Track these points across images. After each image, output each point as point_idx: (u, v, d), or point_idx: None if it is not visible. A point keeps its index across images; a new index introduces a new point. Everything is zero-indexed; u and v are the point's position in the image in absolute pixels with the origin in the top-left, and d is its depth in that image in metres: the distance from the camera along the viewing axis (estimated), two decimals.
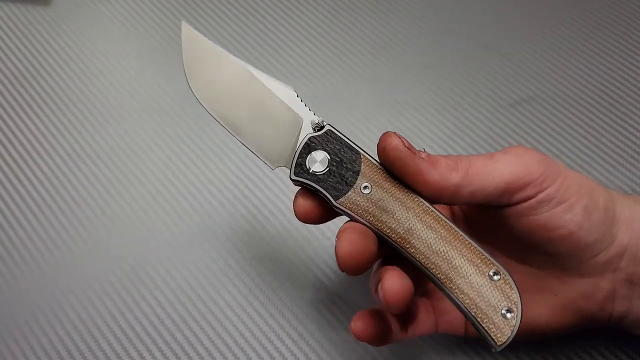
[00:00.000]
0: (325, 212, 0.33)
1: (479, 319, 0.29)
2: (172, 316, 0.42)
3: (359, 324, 0.33)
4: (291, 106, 0.34)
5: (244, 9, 0.60)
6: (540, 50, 0.56)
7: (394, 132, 0.31)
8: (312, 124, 0.33)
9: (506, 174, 0.31)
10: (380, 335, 0.34)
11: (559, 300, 0.35)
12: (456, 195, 0.31)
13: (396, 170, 0.31)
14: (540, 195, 0.31)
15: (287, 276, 0.44)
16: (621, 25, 0.57)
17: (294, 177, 0.32)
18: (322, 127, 0.33)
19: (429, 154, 0.31)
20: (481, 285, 0.29)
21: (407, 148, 0.30)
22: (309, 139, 0.32)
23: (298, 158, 0.32)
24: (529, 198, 0.31)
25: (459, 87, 0.54)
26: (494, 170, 0.31)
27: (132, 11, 0.60)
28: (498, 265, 0.30)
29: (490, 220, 0.34)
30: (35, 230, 0.46)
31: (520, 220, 0.32)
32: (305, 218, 0.33)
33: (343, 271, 0.30)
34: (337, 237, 0.31)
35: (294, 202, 0.33)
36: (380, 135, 0.31)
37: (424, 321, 0.36)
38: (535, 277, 0.35)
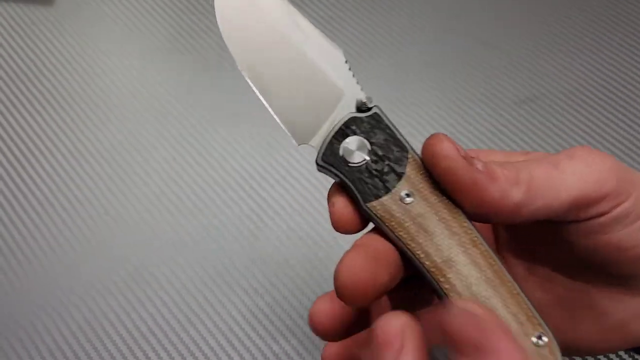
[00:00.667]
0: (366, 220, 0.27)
1: None
2: (177, 316, 0.42)
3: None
4: (334, 73, 0.28)
5: None
6: (541, 47, 0.56)
7: (445, 135, 0.25)
8: (356, 102, 0.27)
9: (575, 189, 0.25)
10: None
11: (609, 320, 0.29)
12: (515, 215, 0.25)
13: (446, 182, 0.25)
14: (616, 211, 0.26)
15: (292, 276, 0.44)
16: (624, 22, 0.57)
17: (320, 163, 0.26)
18: (369, 109, 0.27)
19: (484, 163, 0.25)
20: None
21: (463, 157, 0.25)
22: (349, 119, 0.26)
23: (331, 140, 0.26)
24: (602, 214, 0.26)
25: (460, 85, 0.54)
26: (559, 183, 0.26)
27: (134, 11, 0.59)
28: (546, 328, 0.24)
29: (542, 233, 0.29)
30: (38, 230, 0.46)
31: (586, 238, 0.27)
32: (344, 226, 0.26)
33: (340, 299, 0.25)
34: (339, 260, 0.25)
35: (330, 203, 0.27)
36: (427, 137, 0.26)
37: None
38: (583, 293, 0.30)
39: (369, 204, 0.25)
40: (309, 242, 0.45)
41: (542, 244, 0.29)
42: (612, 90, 0.53)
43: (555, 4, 0.59)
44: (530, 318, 0.24)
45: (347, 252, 0.25)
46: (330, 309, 0.27)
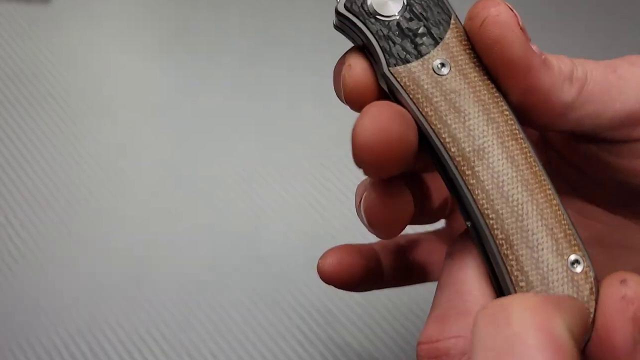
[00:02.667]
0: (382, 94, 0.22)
1: None
2: (176, 317, 0.42)
3: (329, 261, 0.26)
4: None
5: (245, 4, 0.59)
6: (543, 47, 0.55)
7: None
8: None
9: (633, 99, 0.22)
10: (363, 277, 0.27)
11: None
12: (560, 118, 0.21)
13: (493, 58, 0.21)
14: None
15: (292, 276, 0.44)
16: (631, 24, 0.57)
17: (342, 11, 0.22)
18: None
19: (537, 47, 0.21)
20: (552, 270, 0.20)
21: (521, 29, 0.20)
22: None
23: None
24: None
25: None
26: (616, 90, 0.22)
27: (133, 9, 0.59)
28: (585, 251, 0.20)
29: (582, 154, 0.24)
30: (37, 230, 0.46)
31: (636, 163, 0.23)
32: (360, 95, 0.22)
33: (360, 166, 0.20)
34: (360, 115, 0.20)
35: (345, 65, 0.22)
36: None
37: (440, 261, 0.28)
38: (626, 230, 0.25)
39: (392, 69, 0.21)
40: (308, 242, 0.45)
41: (581, 169, 0.25)
42: None
43: (559, 4, 0.58)
44: (568, 236, 0.20)
45: (366, 109, 0.20)
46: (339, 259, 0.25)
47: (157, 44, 0.57)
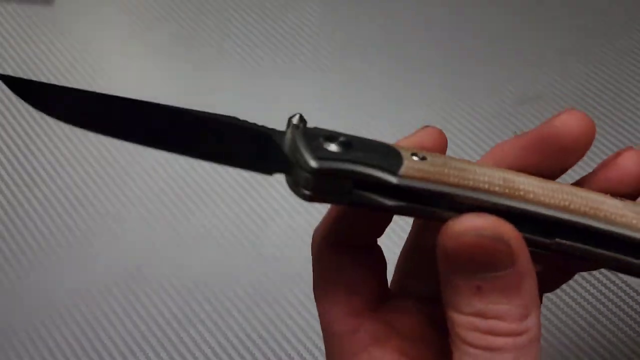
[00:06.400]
0: None
1: None
2: (177, 316, 0.42)
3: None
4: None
5: (247, 6, 0.59)
6: (545, 47, 0.56)
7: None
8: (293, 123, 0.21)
9: None
10: None
11: None
12: None
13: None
14: None
15: (293, 275, 0.44)
16: (631, 26, 0.57)
17: (321, 166, 0.19)
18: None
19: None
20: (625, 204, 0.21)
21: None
22: (307, 132, 0.21)
23: (306, 142, 0.20)
24: None
25: (465, 84, 0.54)
26: None
27: (135, 11, 0.59)
28: None
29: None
30: (39, 230, 0.46)
31: None
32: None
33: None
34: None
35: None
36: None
37: None
38: None
39: (402, 172, 0.19)
40: (309, 240, 0.45)
41: None
42: (615, 92, 0.53)
43: (561, 4, 0.59)
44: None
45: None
46: None
47: (161, 46, 0.57)
